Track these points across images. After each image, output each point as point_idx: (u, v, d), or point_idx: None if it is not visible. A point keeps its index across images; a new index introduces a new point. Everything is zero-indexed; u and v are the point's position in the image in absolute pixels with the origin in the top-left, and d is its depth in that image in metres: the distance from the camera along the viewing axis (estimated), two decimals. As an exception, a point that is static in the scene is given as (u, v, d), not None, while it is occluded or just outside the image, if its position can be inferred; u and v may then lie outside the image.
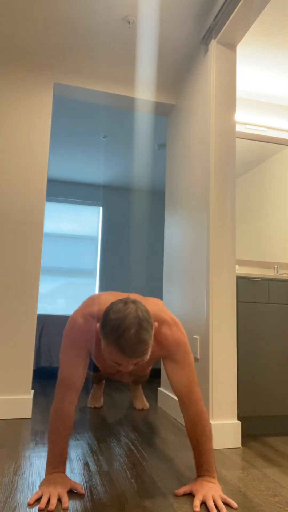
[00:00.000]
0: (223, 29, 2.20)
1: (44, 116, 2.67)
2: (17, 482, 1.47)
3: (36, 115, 2.66)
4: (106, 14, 2.36)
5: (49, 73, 2.72)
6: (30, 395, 2.40)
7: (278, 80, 2.87)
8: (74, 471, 1.59)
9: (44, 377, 3.78)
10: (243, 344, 2.17)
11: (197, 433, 1.43)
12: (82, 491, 1.39)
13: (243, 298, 2.21)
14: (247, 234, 2.89)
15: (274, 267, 2.84)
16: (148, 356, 1.30)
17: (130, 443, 1.95)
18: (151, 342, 1.28)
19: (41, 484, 1.37)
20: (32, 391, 2.54)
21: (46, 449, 1.84)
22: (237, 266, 2.72)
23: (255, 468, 1.70)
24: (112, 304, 1.30)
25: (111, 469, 1.63)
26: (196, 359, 2.21)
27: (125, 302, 1.29)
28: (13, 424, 2.22)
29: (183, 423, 2.29)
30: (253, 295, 2.22)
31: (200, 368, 2.15)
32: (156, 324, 1.33)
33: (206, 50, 2.38)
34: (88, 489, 1.44)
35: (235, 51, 2.34)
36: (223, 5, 2.13)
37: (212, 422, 1.97)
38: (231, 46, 2.34)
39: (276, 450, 1.93)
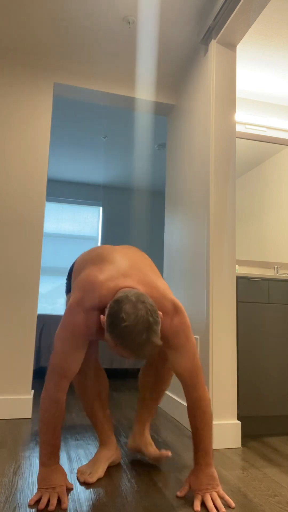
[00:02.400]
0: (223, 29, 2.20)
1: (44, 116, 2.67)
2: (17, 482, 1.47)
3: (36, 115, 2.66)
4: (106, 14, 2.36)
5: (49, 73, 2.72)
6: (30, 395, 2.40)
7: (278, 80, 2.87)
8: (74, 471, 1.59)
9: (44, 377, 3.78)
10: (243, 344, 2.17)
11: (196, 419, 1.40)
12: (70, 486, 1.43)
13: (243, 298, 2.21)
14: (247, 234, 2.89)
15: (274, 267, 2.84)
16: (154, 349, 1.26)
17: (130, 443, 1.96)
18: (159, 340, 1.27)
19: (39, 483, 1.36)
20: (32, 391, 2.54)
21: (46, 449, 1.84)
22: (237, 266, 2.72)
23: (255, 468, 1.70)
24: (120, 302, 1.23)
25: (111, 469, 1.63)
26: (196, 359, 2.21)
27: (133, 302, 1.23)
28: (13, 424, 2.22)
29: (183, 423, 2.29)
30: (253, 295, 2.22)
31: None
32: (161, 314, 1.30)
33: (206, 50, 2.38)
34: (88, 489, 1.44)
35: (235, 51, 2.34)
36: (223, 5, 2.13)
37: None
38: (231, 46, 2.34)
39: (276, 450, 1.93)
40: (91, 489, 1.44)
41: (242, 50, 2.59)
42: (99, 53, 2.69)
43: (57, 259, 5.47)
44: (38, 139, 2.64)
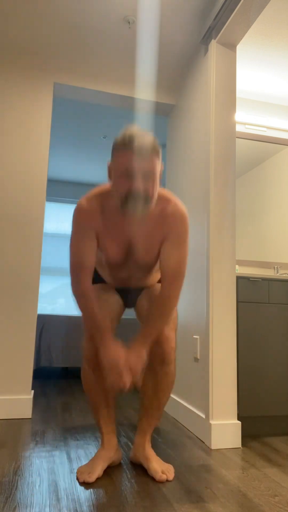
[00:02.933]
0: (223, 29, 2.20)
1: (44, 116, 2.67)
2: (17, 482, 1.47)
3: (36, 115, 2.66)
4: (106, 14, 2.36)
5: (49, 73, 2.72)
6: (30, 395, 2.40)
7: (278, 80, 2.87)
8: (74, 471, 1.59)
9: (44, 377, 3.78)
10: (243, 344, 2.17)
11: (156, 311, 1.50)
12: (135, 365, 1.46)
13: (243, 298, 2.21)
14: (247, 234, 2.89)
15: (274, 267, 2.84)
16: (156, 168, 1.40)
17: (130, 443, 1.95)
18: (158, 159, 1.40)
19: (104, 363, 1.43)
20: (32, 391, 2.54)
21: (46, 449, 1.84)
22: (237, 266, 2.72)
23: (255, 468, 1.70)
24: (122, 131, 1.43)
25: (111, 469, 1.63)
26: (196, 359, 2.21)
27: (135, 129, 1.43)
28: (13, 424, 2.22)
29: (183, 423, 2.30)
30: (253, 295, 2.22)
31: (200, 368, 2.15)
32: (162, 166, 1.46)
33: (206, 50, 2.38)
34: (88, 489, 1.44)
35: (235, 51, 2.34)
36: (223, 5, 2.13)
37: (212, 422, 1.97)
38: (231, 46, 2.34)
39: (276, 450, 1.93)
40: (91, 489, 1.44)
41: (242, 50, 2.59)
42: (99, 53, 2.69)
43: (57, 259, 5.47)
44: (38, 139, 2.64)
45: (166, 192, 1.56)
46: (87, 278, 1.49)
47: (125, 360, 1.42)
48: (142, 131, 1.41)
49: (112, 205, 1.51)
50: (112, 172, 1.45)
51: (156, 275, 1.73)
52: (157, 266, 1.65)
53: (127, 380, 1.40)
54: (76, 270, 1.49)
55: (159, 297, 1.51)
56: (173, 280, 1.49)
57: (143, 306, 1.68)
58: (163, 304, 1.50)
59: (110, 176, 1.48)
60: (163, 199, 1.52)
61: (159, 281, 1.73)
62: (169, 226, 1.50)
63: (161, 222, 1.51)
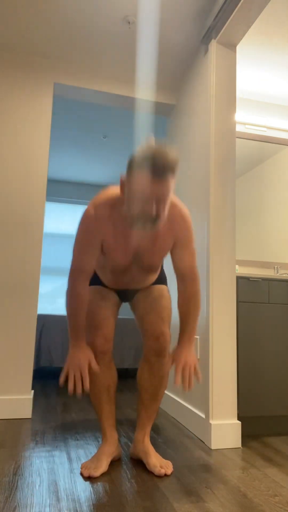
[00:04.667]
0: (223, 29, 2.20)
1: (44, 116, 2.67)
2: (17, 482, 1.47)
3: (36, 115, 2.66)
4: (106, 14, 2.36)
5: (49, 73, 2.72)
6: (30, 395, 2.40)
7: (278, 80, 2.87)
8: (74, 471, 1.59)
9: (44, 377, 3.78)
10: (243, 344, 2.16)
11: (190, 307, 1.61)
12: (96, 367, 1.53)
13: (243, 298, 2.21)
14: (247, 234, 2.89)
15: (274, 267, 2.84)
16: (171, 190, 1.40)
17: (130, 443, 1.95)
18: (174, 178, 1.39)
19: (67, 360, 1.52)
20: (32, 391, 2.54)
21: (46, 449, 1.84)
22: (237, 266, 2.72)
23: (255, 468, 1.70)
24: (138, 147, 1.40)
25: (111, 469, 1.63)
26: (196, 359, 2.21)
27: (153, 143, 1.40)
28: (13, 424, 2.22)
29: (183, 423, 2.30)
30: (253, 295, 2.22)
31: (200, 368, 2.15)
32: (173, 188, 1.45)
33: (206, 50, 2.38)
34: (88, 489, 1.44)
35: (235, 51, 2.34)
36: (223, 5, 2.13)
37: (212, 422, 1.97)
38: (231, 46, 2.33)
39: (276, 450, 1.93)
40: (91, 489, 1.44)
41: (242, 50, 2.59)
42: (99, 53, 2.69)
43: (57, 259, 5.47)
44: (38, 139, 2.64)
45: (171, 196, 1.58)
46: (84, 282, 1.56)
47: (85, 365, 1.51)
48: (163, 148, 1.35)
49: (120, 213, 1.52)
50: (125, 188, 1.44)
51: (153, 276, 1.78)
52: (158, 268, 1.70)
53: (85, 383, 1.48)
54: (75, 273, 1.55)
55: (188, 296, 1.62)
56: (194, 277, 1.63)
57: (139, 303, 1.77)
58: (194, 300, 1.62)
59: (122, 189, 1.47)
60: (169, 205, 1.55)
61: (155, 283, 1.81)
62: (177, 230, 1.57)
63: (168, 226, 1.56)
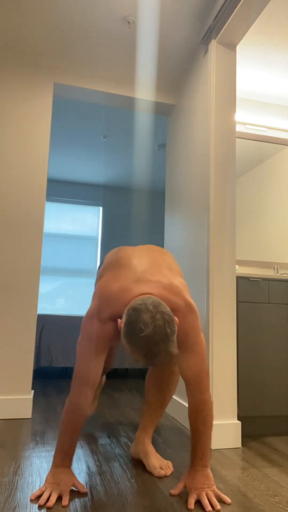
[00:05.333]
0: (223, 29, 2.20)
1: (44, 116, 2.67)
2: (17, 482, 1.47)
3: (36, 115, 2.66)
4: (106, 14, 2.36)
5: (49, 73, 2.72)
6: (30, 395, 2.40)
7: (278, 80, 2.87)
8: (74, 471, 1.59)
9: (44, 377, 3.78)
10: (243, 344, 2.17)
11: (198, 421, 1.41)
12: (84, 490, 1.40)
13: (243, 298, 2.21)
14: (247, 234, 2.89)
15: (274, 267, 2.84)
16: (172, 354, 1.29)
17: (130, 443, 1.95)
18: (173, 343, 1.27)
19: (47, 479, 1.40)
20: (32, 391, 2.54)
21: (46, 449, 1.84)
22: (237, 266, 2.72)
23: (255, 468, 1.70)
24: (138, 311, 1.26)
25: (111, 469, 1.63)
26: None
27: (151, 312, 1.26)
28: (13, 424, 2.22)
29: (183, 423, 2.30)
30: (253, 295, 2.22)
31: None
32: (177, 321, 1.33)
33: (206, 50, 2.38)
34: (88, 489, 1.44)
35: (235, 51, 2.34)
36: (223, 5, 2.13)
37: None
38: (231, 46, 2.33)
39: (276, 450, 1.93)
40: (91, 489, 1.44)
41: (242, 50, 2.59)
42: (99, 53, 2.69)
43: (57, 259, 5.47)
44: (38, 139, 2.64)
45: (176, 289, 1.45)
46: (86, 394, 1.41)
47: (65, 484, 1.37)
48: (158, 335, 1.23)
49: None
50: (121, 334, 1.32)
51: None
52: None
53: (54, 499, 1.31)
54: (79, 382, 1.42)
55: (195, 407, 1.42)
56: (200, 386, 1.43)
57: (151, 382, 1.72)
58: (202, 414, 1.42)
59: (120, 332, 1.35)
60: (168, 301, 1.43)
61: None
62: (178, 337, 1.41)
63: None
